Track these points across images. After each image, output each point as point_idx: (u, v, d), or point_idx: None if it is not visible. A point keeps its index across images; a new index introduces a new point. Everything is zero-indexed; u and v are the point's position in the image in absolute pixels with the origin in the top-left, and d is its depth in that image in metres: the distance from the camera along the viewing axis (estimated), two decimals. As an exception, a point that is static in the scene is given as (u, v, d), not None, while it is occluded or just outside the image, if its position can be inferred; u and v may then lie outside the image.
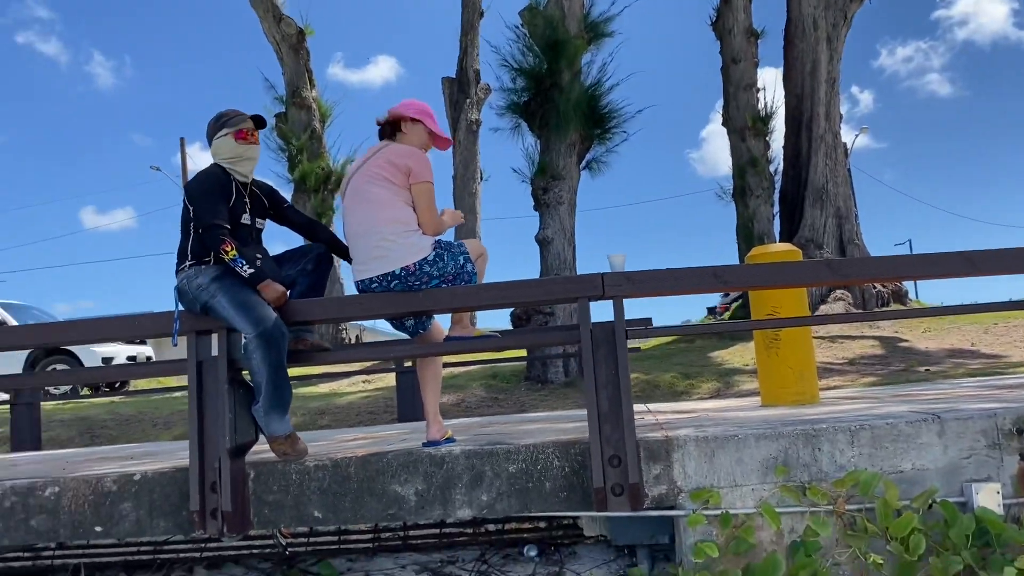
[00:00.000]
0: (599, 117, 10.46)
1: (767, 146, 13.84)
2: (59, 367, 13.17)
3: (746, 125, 13.58)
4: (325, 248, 3.97)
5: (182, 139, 30.47)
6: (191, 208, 3.65)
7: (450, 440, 3.87)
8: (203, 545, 4.41)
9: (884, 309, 13.03)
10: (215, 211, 3.61)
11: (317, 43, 15.35)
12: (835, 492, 3.37)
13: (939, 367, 9.22)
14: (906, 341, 11.06)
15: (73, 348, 13.15)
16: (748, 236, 13.44)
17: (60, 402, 11.40)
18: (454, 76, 15.59)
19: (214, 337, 3.66)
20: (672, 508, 3.47)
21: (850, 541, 3.31)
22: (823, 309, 12.78)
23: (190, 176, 30.75)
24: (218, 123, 3.78)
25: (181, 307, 3.67)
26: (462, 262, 3.68)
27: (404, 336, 4.13)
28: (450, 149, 15.41)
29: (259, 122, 3.85)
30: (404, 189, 3.66)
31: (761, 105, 13.82)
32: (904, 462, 3.42)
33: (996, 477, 3.40)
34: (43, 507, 3.71)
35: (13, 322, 14.07)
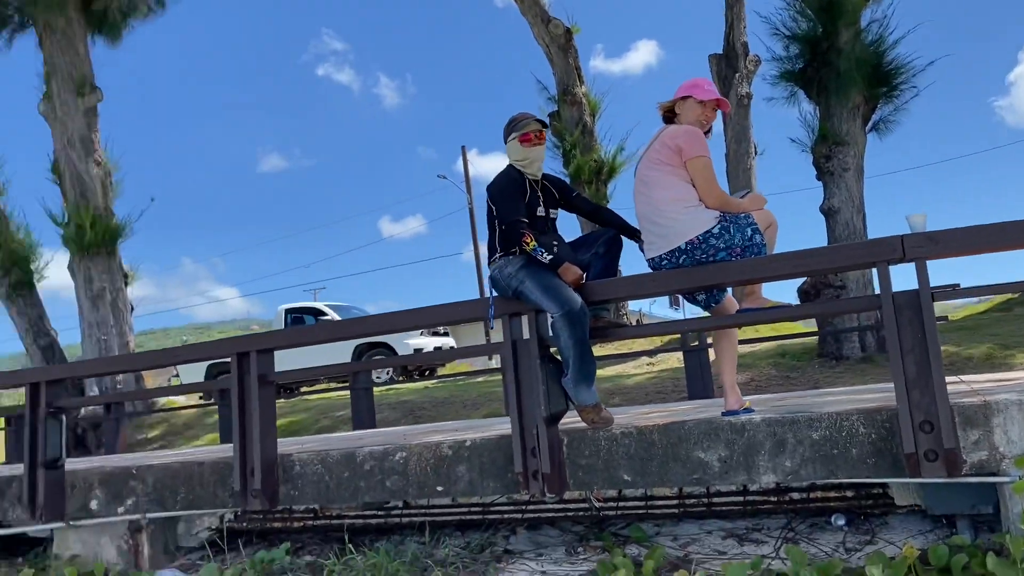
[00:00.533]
0: (884, 75, 9.77)
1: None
2: (379, 358, 14.94)
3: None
4: (615, 232, 4.25)
5: (463, 147, 32.64)
6: (493, 208, 4.10)
7: (748, 410, 3.96)
8: (524, 508, 4.90)
9: None
10: (514, 208, 4.02)
11: (578, 38, 15.73)
12: None
13: None
14: None
15: (390, 341, 14.83)
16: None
17: (383, 388, 12.91)
18: (721, 52, 15.30)
19: (524, 318, 4.08)
20: (995, 475, 3.31)
21: None
22: None
23: (472, 181, 32.70)
24: (508, 128, 4.21)
25: (495, 293, 4.14)
26: (750, 234, 3.75)
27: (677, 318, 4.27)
28: (722, 126, 15.16)
29: (544, 123, 4.21)
30: (680, 168, 3.81)
31: (1084, 36, 12.05)
32: None
33: None
34: (394, 469, 4.36)
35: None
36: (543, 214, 4.18)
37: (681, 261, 3.80)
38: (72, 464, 5.64)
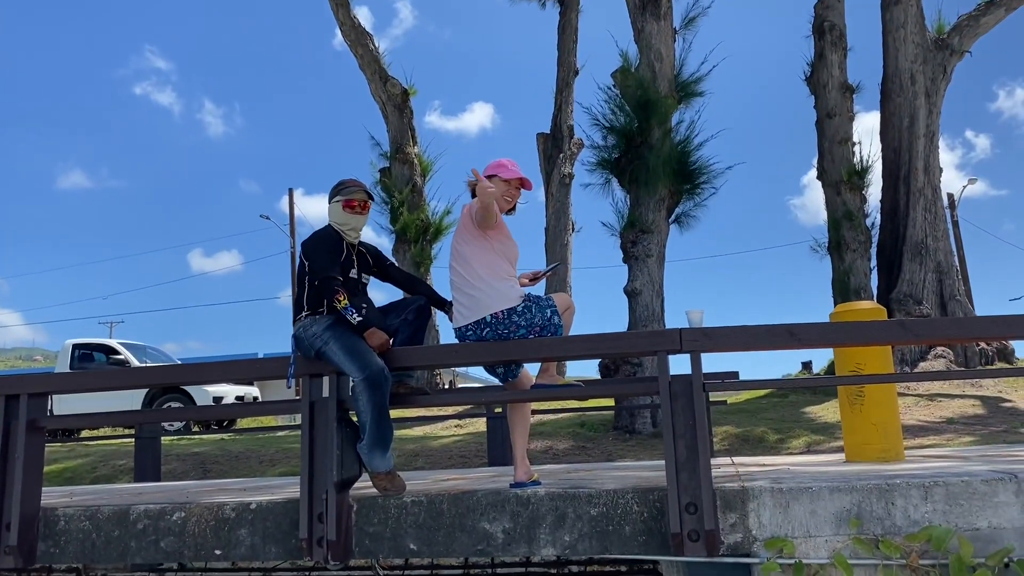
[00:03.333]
0: (688, 173, 10.69)
1: (863, 200, 13.69)
2: (174, 405, 14.06)
3: (841, 179, 13.50)
4: (425, 300, 4.34)
5: (291, 190, 31.85)
6: (307, 263, 4.09)
7: (536, 483, 4.11)
8: (307, 574, 4.78)
9: (985, 368, 12.59)
10: (329, 265, 4.04)
11: (416, 92, 16.03)
12: (908, 546, 3.45)
13: (1044, 429, 8.90)
14: (1010, 401, 10.68)
15: (189, 388, 14.03)
16: (844, 290, 13.27)
17: (174, 438, 12.15)
18: (548, 132, 16.09)
19: (325, 380, 4.05)
20: (747, 556, 3.61)
21: (923, 595, 3.38)
22: (923, 366, 12.46)
23: (298, 223, 31.80)
24: (335, 190, 4.25)
25: (298, 352, 4.08)
26: (549, 315, 3.96)
27: (495, 382, 4.42)
28: (544, 201, 15.84)
29: (371, 196, 4.28)
30: (483, 237, 3.98)
31: (857, 159, 13.73)
32: (980, 520, 3.47)
33: (1074, 538, 3.41)
34: (171, 530, 4.13)
35: (135, 361, 15.11)
36: (356, 277, 4.21)
37: (484, 334, 3.94)
38: None
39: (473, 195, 4.24)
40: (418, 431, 11.92)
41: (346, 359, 3.86)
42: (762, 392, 12.85)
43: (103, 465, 10.11)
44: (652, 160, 10.32)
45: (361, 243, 4.34)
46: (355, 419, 3.98)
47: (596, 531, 3.74)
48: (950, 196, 31.53)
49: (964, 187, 33.69)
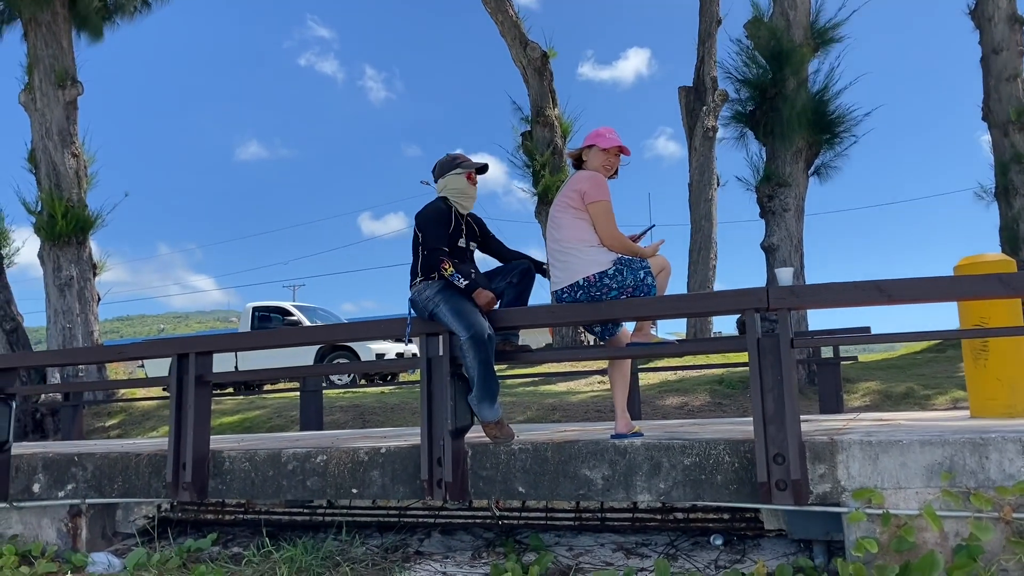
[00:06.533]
0: (826, 123, 10.30)
1: (1035, 140, 12.63)
2: (340, 360, 15.23)
3: (1009, 119, 12.51)
4: (528, 264, 4.65)
5: (448, 154, 33.04)
6: (420, 234, 4.50)
7: (637, 434, 4.37)
8: (437, 513, 5.27)
9: None
10: (438, 237, 4.43)
11: (566, 45, 16.09)
12: (1001, 499, 3.45)
13: None
14: None
15: (352, 345, 15.14)
16: (1012, 238, 12.39)
17: (342, 390, 13.20)
18: (691, 85, 15.83)
19: (440, 339, 4.47)
20: (836, 505, 3.72)
21: (1016, 548, 3.39)
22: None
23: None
24: (453, 163, 4.62)
25: (414, 314, 4.53)
26: (642, 276, 4.17)
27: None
28: (687, 155, 15.67)
29: (482, 169, 4.63)
30: (583, 211, 4.22)
31: (1028, 96, 12.66)
32: (1080, 475, 3.42)
33: None
34: (315, 470, 4.72)
35: (306, 322, 16.43)
36: (464, 245, 4.59)
37: (578, 296, 4.21)
38: (18, 448, 5.95)
39: (576, 165, 4.49)
40: (562, 387, 12.34)
41: (454, 320, 4.25)
42: (918, 347, 12.33)
43: (277, 416, 11.21)
44: (787, 111, 10.02)
45: (469, 213, 4.70)
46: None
47: (689, 479, 3.96)
48: None
49: None
